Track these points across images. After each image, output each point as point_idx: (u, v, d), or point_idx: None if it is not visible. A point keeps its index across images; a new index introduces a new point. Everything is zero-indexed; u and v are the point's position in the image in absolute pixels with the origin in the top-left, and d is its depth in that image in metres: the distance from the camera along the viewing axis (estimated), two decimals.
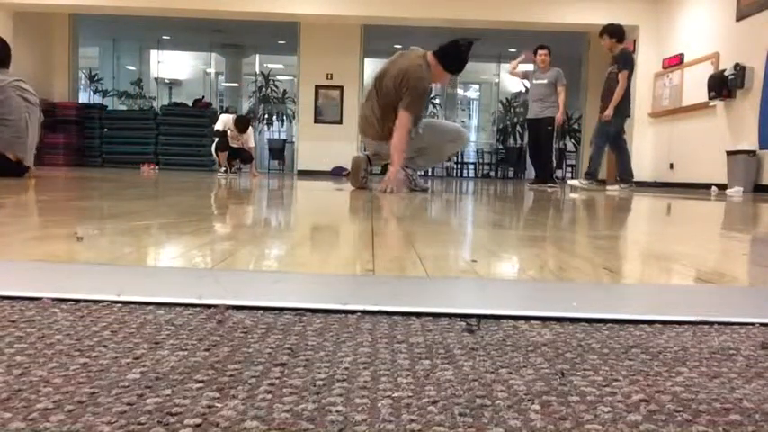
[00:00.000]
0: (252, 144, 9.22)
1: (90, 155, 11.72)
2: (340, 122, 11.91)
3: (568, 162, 13.58)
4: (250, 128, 9.37)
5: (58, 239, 1.19)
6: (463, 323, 0.64)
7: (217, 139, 8.96)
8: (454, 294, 0.81)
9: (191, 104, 12.39)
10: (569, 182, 7.36)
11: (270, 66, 16.51)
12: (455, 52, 4.14)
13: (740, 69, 7.70)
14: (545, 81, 7.39)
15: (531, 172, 8.81)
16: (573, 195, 5.07)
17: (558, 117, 7.34)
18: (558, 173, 13.36)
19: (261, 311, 0.66)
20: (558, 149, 13.08)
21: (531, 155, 7.98)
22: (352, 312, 0.67)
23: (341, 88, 11.93)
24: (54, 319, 0.61)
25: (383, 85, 4.12)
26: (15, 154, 4.34)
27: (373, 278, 0.89)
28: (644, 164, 10.30)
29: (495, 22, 10.73)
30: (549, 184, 7.38)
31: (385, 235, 1.49)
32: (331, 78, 11.92)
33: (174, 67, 17.75)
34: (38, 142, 4.68)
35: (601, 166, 7.30)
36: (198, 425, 0.37)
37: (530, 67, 7.94)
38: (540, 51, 7.49)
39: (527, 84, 7.56)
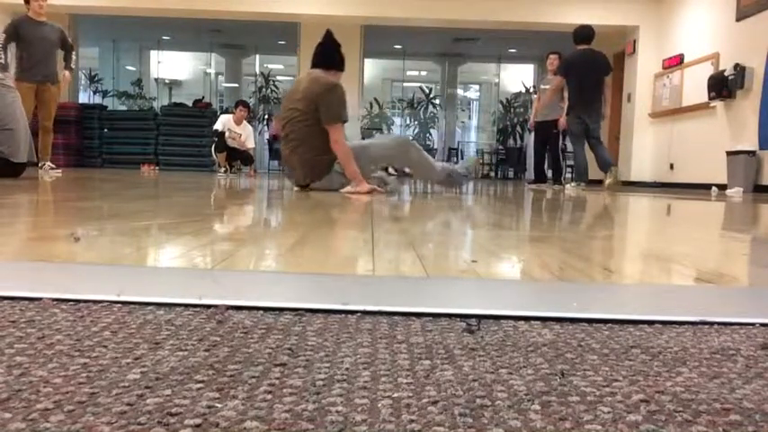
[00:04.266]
0: (251, 145, 9.20)
1: (90, 155, 11.70)
2: None
3: (568, 162, 13.60)
4: (250, 127, 9.36)
5: (57, 240, 1.19)
6: (463, 323, 0.64)
7: (215, 140, 8.96)
8: (454, 294, 0.81)
9: (191, 105, 12.38)
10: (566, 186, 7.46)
11: (270, 66, 16.51)
12: (330, 51, 3.97)
13: (740, 69, 7.70)
14: (549, 86, 7.59)
15: (530, 173, 8.85)
16: (570, 196, 5.07)
17: (561, 121, 7.45)
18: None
19: (261, 312, 0.66)
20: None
21: (534, 156, 8.09)
22: (352, 312, 0.67)
23: None
24: (54, 320, 0.61)
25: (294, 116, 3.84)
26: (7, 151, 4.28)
27: (373, 278, 0.89)
28: (644, 164, 10.31)
29: (495, 22, 10.74)
30: (556, 185, 7.51)
31: (385, 235, 1.49)
32: None
33: (174, 67, 17.75)
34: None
35: (584, 166, 7.33)
36: (198, 425, 0.37)
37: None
38: (551, 56, 7.73)
39: (547, 86, 7.67)
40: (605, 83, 7.22)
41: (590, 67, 7.10)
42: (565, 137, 7.80)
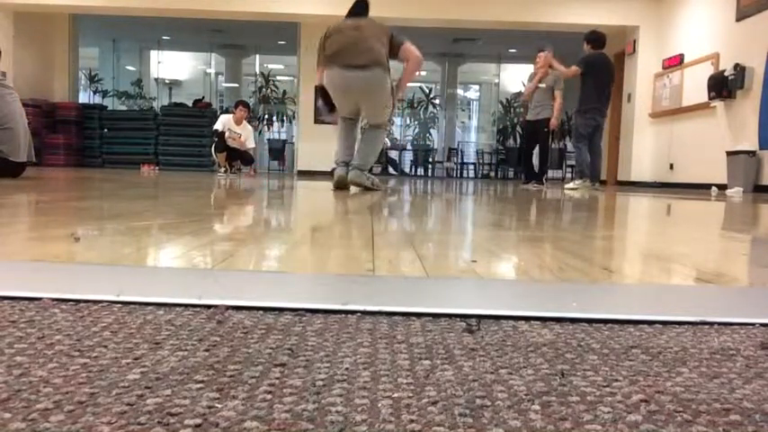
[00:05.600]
0: (251, 145, 9.19)
1: (90, 155, 11.71)
2: None
3: (568, 162, 13.61)
4: (250, 127, 9.35)
5: (58, 240, 1.19)
6: (463, 323, 0.64)
7: (215, 140, 8.96)
8: (454, 294, 0.81)
9: (191, 105, 12.38)
10: (565, 186, 7.55)
11: (270, 66, 16.50)
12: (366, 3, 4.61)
13: (740, 70, 7.70)
14: (543, 85, 7.60)
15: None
16: (567, 195, 5.07)
17: (553, 122, 7.50)
18: (559, 173, 13.39)
19: (261, 312, 0.66)
20: (558, 150, 13.10)
21: (525, 155, 8.24)
22: (353, 313, 0.67)
23: None
24: (54, 320, 0.60)
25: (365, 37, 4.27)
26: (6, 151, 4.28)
27: (373, 278, 0.89)
28: (644, 164, 10.30)
29: (495, 22, 10.73)
30: (536, 183, 7.61)
31: (385, 235, 1.49)
32: None
33: (174, 67, 17.73)
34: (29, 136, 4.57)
35: (586, 166, 7.38)
36: (198, 425, 0.37)
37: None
38: (540, 54, 7.74)
39: (541, 85, 7.68)
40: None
41: (607, 72, 7.24)
42: (565, 136, 7.85)
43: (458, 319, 0.65)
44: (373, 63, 4.26)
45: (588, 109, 7.23)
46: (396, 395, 0.43)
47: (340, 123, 4.63)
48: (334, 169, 4.54)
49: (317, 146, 11.85)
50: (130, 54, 17.22)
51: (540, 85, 7.64)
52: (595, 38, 7.33)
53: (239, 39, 15.30)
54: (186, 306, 0.67)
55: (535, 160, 8.07)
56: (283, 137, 16.07)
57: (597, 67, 7.17)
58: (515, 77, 16.29)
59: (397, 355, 0.52)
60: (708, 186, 7.74)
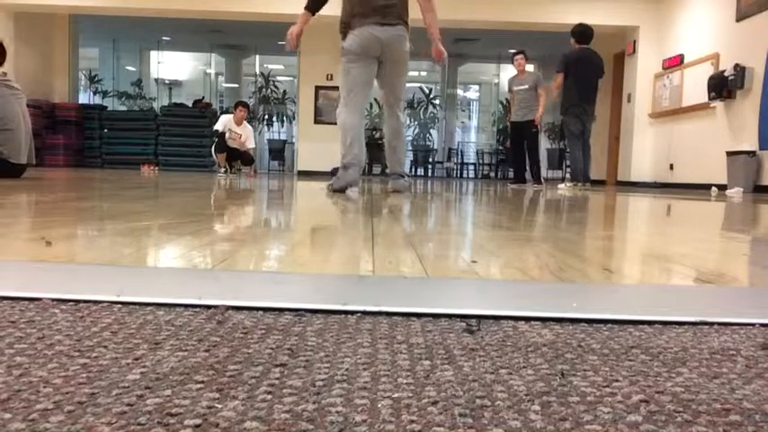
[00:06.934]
0: (251, 145, 9.20)
1: (90, 155, 11.72)
2: None
3: (568, 162, 13.61)
4: (250, 128, 9.35)
5: (58, 240, 1.19)
6: (463, 324, 0.64)
7: (216, 140, 8.97)
8: (454, 295, 0.81)
9: (191, 105, 12.38)
10: (558, 186, 7.59)
11: (270, 66, 16.50)
12: None
13: (740, 70, 7.70)
14: (526, 86, 7.66)
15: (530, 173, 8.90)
16: (561, 195, 5.08)
17: (536, 118, 7.54)
18: (558, 173, 13.41)
19: (261, 312, 0.66)
20: (559, 150, 13.11)
21: (513, 156, 8.31)
22: (352, 313, 0.67)
23: None
24: (54, 320, 0.60)
25: None
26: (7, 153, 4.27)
27: (373, 278, 0.89)
28: (644, 164, 10.31)
29: (495, 22, 10.73)
30: (535, 183, 7.64)
31: (385, 235, 1.49)
32: (331, 79, 11.91)
33: (174, 67, 17.73)
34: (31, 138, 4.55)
35: (580, 166, 7.38)
36: (198, 425, 0.37)
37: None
38: (516, 57, 7.79)
39: (524, 86, 7.71)
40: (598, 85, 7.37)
41: (591, 68, 7.19)
42: (563, 136, 7.87)
43: (458, 320, 0.65)
44: (400, 20, 4.50)
45: (570, 109, 7.23)
46: (396, 395, 0.43)
47: (352, 119, 4.42)
48: (335, 169, 4.35)
49: (317, 146, 11.86)
50: (130, 54, 17.22)
51: (523, 87, 7.67)
52: (580, 31, 7.32)
53: (239, 39, 15.29)
54: (186, 306, 0.67)
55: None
56: (283, 137, 16.08)
57: (579, 63, 7.14)
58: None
59: (397, 356, 0.52)
60: (708, 186, 7.74)
